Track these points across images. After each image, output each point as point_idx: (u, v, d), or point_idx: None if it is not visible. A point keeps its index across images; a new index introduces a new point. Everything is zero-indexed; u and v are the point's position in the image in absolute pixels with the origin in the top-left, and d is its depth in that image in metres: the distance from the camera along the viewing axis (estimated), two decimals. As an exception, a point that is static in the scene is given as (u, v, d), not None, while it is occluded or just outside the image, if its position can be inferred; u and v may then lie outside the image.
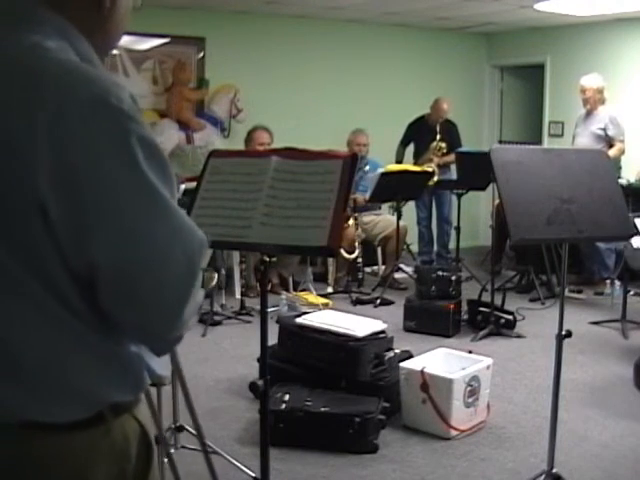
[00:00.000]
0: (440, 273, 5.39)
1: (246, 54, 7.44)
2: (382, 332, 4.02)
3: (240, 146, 6.33)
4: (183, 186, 4.24)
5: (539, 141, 8.29)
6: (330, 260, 6.47)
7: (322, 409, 3.48)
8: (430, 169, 6.72)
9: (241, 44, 7.44)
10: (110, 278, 1.06)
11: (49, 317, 1.08)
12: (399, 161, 7.27)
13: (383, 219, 6.92)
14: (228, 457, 3.12)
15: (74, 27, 1.15)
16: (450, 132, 7.15)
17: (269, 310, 2.51)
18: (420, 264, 6.73)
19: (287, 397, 3.57)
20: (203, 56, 7.35)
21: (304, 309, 5.17)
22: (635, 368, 4.32)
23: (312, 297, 5.82)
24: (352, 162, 1.99)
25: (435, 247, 7.60)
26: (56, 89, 1.03)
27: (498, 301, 5.47)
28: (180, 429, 3.18)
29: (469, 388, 3.63)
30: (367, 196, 6.31)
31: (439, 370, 3.68)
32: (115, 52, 6.75)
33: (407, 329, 5.34)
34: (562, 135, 7.92)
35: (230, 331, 5.39)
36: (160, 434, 2.69)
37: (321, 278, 6.65)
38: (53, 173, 1.02)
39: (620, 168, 6.53)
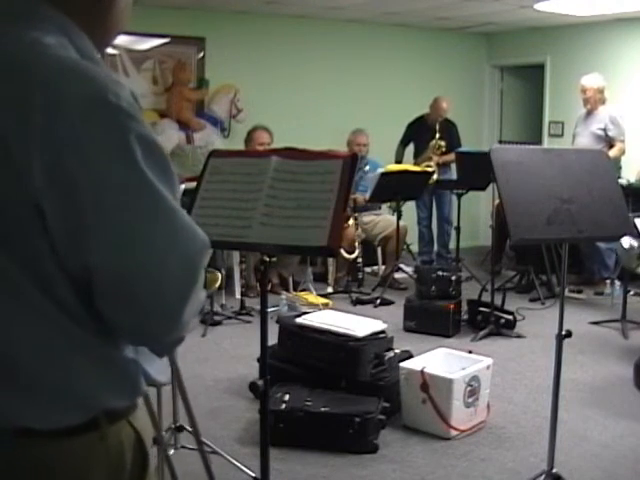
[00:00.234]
0: (440, 273, 5.39)
1: (246, 54, 7.44)
2: (382, 332, 4.01)
3: (240, 146, 6.33)
4: (183, 186, 4.21)
5: (539, 141, 8.29)
6: (330, 260, 6.47)
7: (322, 409, 3.48)
8: (430, 169, 6.73)
9: (241, 44, 7.44)
10: (107, 280, 1.04)
11: (46, 321, 1.07)
12: (399, 161, 7.27)
13: (383, 219, 6.92)
14: (228, 457, 3.13)
15: (74, 23, 1.14)
16: (449, 131, 7.15)
17: (269, 310, 2.51)
18: (420, 264, 6.73)
19: (287, 397, 3.57)
20: (203, 56, 7.35)
21: (304, 309, 5.17)
22: (635, 368, 4.32)
23: (312, 297, 5.82)
24: (352, 162, 1.99)
25: (435, 247, 7.60)
26: (54, 86, 1.02)
27: (498, 301, 5.46)
28: (180, 429, 3.18)
29: (469, 388, 3.63)
30: (367, 196, 6.31)
31: (439, 370, 3.68)
32: (115, 52, 6.75)
33: (407, 329, 5.34)
34: (562, 135, 7.92)
35: (230, 331, 5.39)
36: (159, 435, 2.69)
37: (321, 278, 6.65)
38: (49, 172, 1.01)
39: (620, 168, 6.52)
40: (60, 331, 1.08)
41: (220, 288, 5.94)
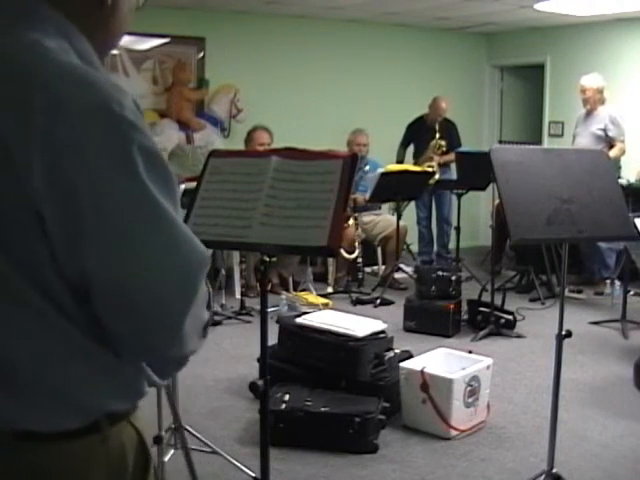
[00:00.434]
0: (440, 273, 5.39)
1: (246, 54, 7.44)
2: (382, 332, 4.01)
3: (240, 146, 6.33)
4: (183, 186, 4.23)
5: (539, 141, 8.29)
6: (330, 260, 6.47)
7: (322, 409, 3.48)
8: (431, 169, 6.73)
9: (241, 44, 7.44)
10: (106, 288, 1.03)
11: (47, 325, 1.06)
12: (400, 162, 7.27)
13: (383, 219, 6.93)
14: (228, 457, 3.12)
15: (74, 26, 1.11)
16: (449, 131, 7.15)
17: (269, 310, 2.51)
18: (420, 264, 6.73)
19: (287, 397, 3.57)
20: (203, 56, 7.35)
21: (304, 309, 5.17)
22: (635, 368, 4.32)
23: (312, 297, 5.82)
24: (352, 162, 1.99)
25: (435, 247, 7.60)
26: (55, 90, 1.00)
27: (498, 301, 5.47)
28: (179, 429, 3.17)
29: (469, 388, 3.63)
30: (367, 196, 6.31)
31: (439, 370, 3.68)
32: (115, 52, 6.75)
33: (407, 329, 5.34)
34: (562, 135, 7.92)
35: (230, 331, 5.39)
36: (159, 434, 2.69)
37: (321, 278, 6.65)
38: (48, 175, 0.99)
39: (620, 168, 6.52)
40: (60, 336, 1.07)
41: (220, 288, 5.97)
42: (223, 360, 4.75)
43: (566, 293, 3.33)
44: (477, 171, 5.63)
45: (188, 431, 3.10)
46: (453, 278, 5.38)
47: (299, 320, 4.05)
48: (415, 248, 7.73)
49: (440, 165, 6.99)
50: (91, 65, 1.11)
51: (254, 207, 2.02)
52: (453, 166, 6.80)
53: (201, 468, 2.83)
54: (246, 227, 2.01)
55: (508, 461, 3.39)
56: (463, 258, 6.65)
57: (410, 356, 4.04)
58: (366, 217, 6.76)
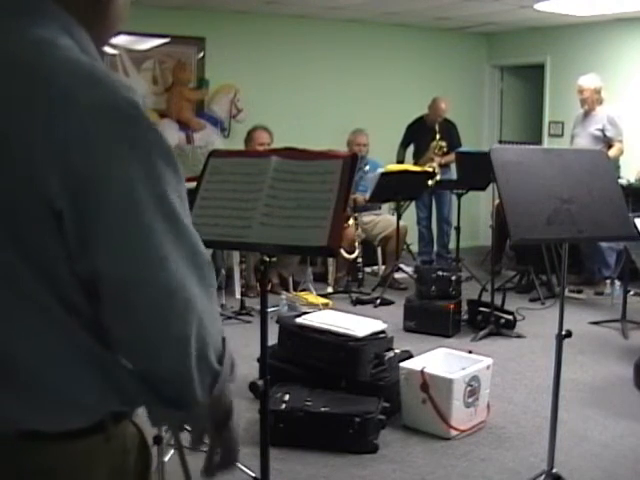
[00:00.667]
0: (440, 273, 5.39)
1: (246, 54, 7.44)
2: (382, 332, 4.01)
3: (240, 146, 6.33)
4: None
5: (539, 141, 8.29)
6: (330, 260, 6.47)
7: (322, 409, 3.48)
8: (431, 169, 6.72)
9: (241, 44, 7.44)
10: (111, 289, 1.03)
11: (53, 323, 1.05)
12: (400, 162, 7.27)
13: (383, 219, 6.93)
14: (228, 457, 3.12)
15: (73, 19, 1.11)
16: (449, 132, 7.15)
17: (269, 310, 2.51)
18: (420, 264, 6.73)
19: (287, 397, 3.57)
20: (203, 56, 7.35)
21: (304, 309, 5.17)
22: (635, 368, 4.32)
23: (312, 297, 5.82)
24: (352, 162, 2.00)
25: (435, 247, 7.60)
26: (64, 89, 1.00)
27: (498, 301, 5.46)
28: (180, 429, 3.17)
29: (469, 388, 3.63)
30: (367, 196, 6.31)
31: (439, 370, 3.68)
32: (115, 52, 6.75)
33: (407, 329, 5.34)
34: (562, 135, 7.91)
35: (230, 331, 5.30)
36: (159, 434, 2.68)
37: (321, 278, 6.65)
38: (61, 176, 0.99)
39: (619, 168, 6.52)
40: (67, 334, 1.06)
41: (220, 288, 5.96)
42: (223, 360, 4.75)
43: (566, 293, 3.33)
44: (477, 171, 5.64)
45: (188, 431, 3.09)
46: (453, 278, 5.38)
47: (299, 320, 4.05)
48: (415, 248, 7.72)
49: (441, 166, 6.99)
50: (90, 58, 1.10)
51: (254, 207, 2.02)
52: (453, 166, 6.80)
53: (200, 467, 2.82)
54: (246, 227, 2.01)
55: (508, 461, 3.39)
56: (463, 258, 6.65)
57: (410, 356, 4.04)
58: (366, 217, 6.76)
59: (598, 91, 6.42)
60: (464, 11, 7.20)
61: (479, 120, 8.97)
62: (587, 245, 6.38)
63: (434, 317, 5.25)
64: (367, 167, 6.66)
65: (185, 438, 3.12)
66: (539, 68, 8.32)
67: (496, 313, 5.32)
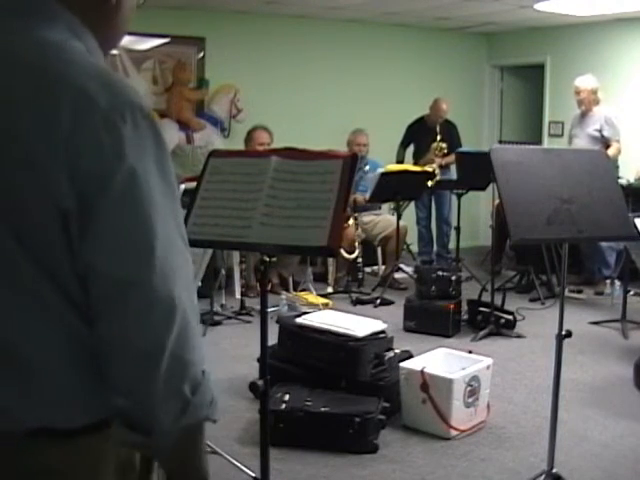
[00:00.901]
0: (440, 273, 5.39)
1: (246, 54, 7.44)
2: (382, 332, 4.01)
3: (240, 146, 6.33)
4: (183, 186, 4.23)
5: (539, 141, 8.29)
6: (330, 260, 6.47)
7: (322, 409, 3.48)
8: (431, 169, 6.72)
9: (241, 44, 7.44)
10: (101, 284, 1.03)
11: (56, 321, 1.06)
12: (400, 162, 7.27)
13: (383, 219, 6.93)
14: (228, 457, 3.12)
15: (77, 19, 1.11)
16: (450, 132, 7.15)
17: (269, 310, 2.51)
18: (420, 264, 6.72)
19: (287, 397, 3.57)
20: (203, 56, 7.35)
21: (304, 309, 5.17)
22: (635, 368, 4.32)
23: (312, 297, 5.82)
24: (352, 162, 1.99)
25: (435, 247, 7.60)
26: (74, 91, 1.01)
27: (498, 301, 5.46)
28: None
29: (469, 388, 3.63)
30: (367, 196, 6.31)
31: (439, 370, 3.68)
32: (115, 52, 6.74)
33: (407, 329, 5.34)
34: (562, 135, 7.91)
35: (230, 331, 5.39)
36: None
37: (321, 278, 6.65)
38: (71, 177, 1.00)
39: (617, 167, 6.52)
40: (70, 331, 1.06)
41: (220, 288, 5.97)
42: (223, 360, 4.75)
43: (566, 293, 3.33)
44: (477, 171, 5.63)
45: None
46: (453, 278, 5.38)
47: (299, 320, 4.05)
48: (415, 248, 7.72)
49: (441, 167, 6.99)
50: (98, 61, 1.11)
51: (254, 207, 2.02)
52: (453, 166, 6.80)
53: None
54: (246, 227, 2.01)
55: (508, 461, 3.39)
56: (463, 258, 6.65)
57: (410, 356, 4.04)
58: (366, 217, 6.76)
59: (595, 92, 6.43)
60: (464, 11, 7.20)
61: (479, 120, 8.97)
62: (587, 245, 6.38)
63: (434, 317, 5.25)
64: (367, 167, 6.67)
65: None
66: (539, 68, 8.32)
67: (496, 313, 5.32)
